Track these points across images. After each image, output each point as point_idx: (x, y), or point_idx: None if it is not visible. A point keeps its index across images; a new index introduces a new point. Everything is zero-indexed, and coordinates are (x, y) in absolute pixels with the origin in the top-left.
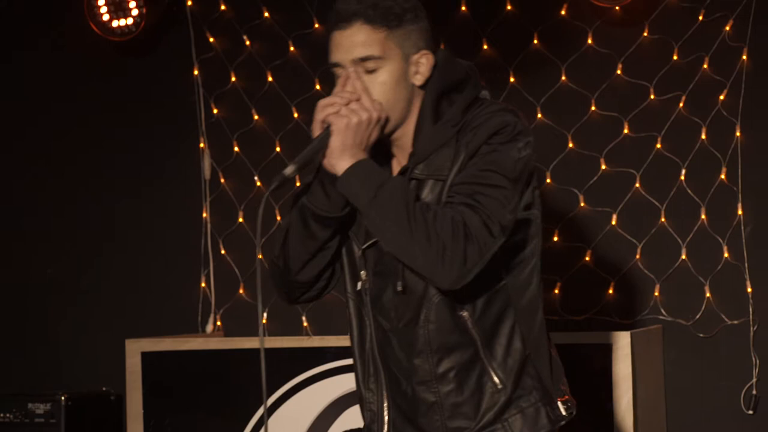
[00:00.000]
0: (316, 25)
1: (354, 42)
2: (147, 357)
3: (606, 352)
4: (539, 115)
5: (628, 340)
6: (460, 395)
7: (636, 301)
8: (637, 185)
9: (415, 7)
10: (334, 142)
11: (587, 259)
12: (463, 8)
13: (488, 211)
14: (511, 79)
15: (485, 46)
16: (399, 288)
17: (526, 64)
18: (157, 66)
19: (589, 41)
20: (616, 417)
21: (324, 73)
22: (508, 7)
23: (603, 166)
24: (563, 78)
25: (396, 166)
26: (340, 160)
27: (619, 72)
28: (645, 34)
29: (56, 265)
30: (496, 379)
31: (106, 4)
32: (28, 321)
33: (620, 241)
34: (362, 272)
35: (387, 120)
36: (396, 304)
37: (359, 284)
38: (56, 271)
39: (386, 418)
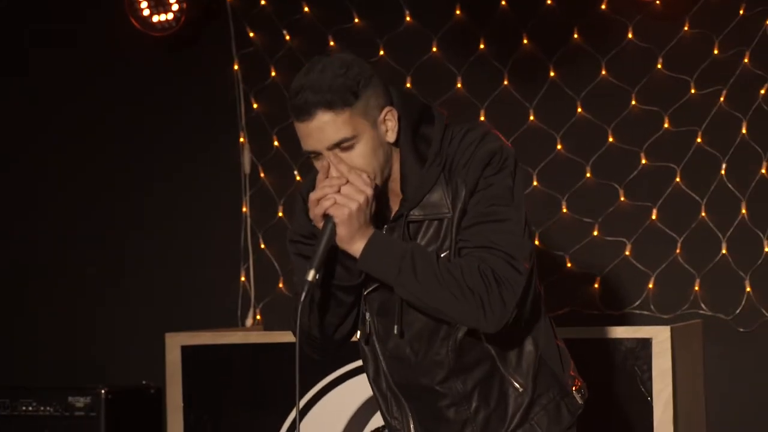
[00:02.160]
0: (356, 20)
1: (322, 131)
2: (186, 351)
3: (646, 346)
4: (579, 110)
5: (668, 334)
6: (487, 407)
7: (676, 295)
8: (678, 180)
9: (362, 72)
10: (342, 232)
11: (627, 253)
12: (503, 3)
13: (506, 248)
14: (552, 74)
15: (525, 41)
16: (395, 332)
17: (566, 58)
18: (197, 61)
19: (630, 35)
20: (655, 412)
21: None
22: (548, 2)
23: (643, 161)
24: (603, 72)
25: (392, 204)
26: (351, 244)
27: (659, 66)
28: (685, 28)
29: (97, 261)
30: (516, 384)
31: (146, 0)
32: (69, 315)
33: (660, 235)
34: (366, 314)
35: (377, 185)
36: (410, 339)
37: (365, 327)
38: (97, 266)
39: None
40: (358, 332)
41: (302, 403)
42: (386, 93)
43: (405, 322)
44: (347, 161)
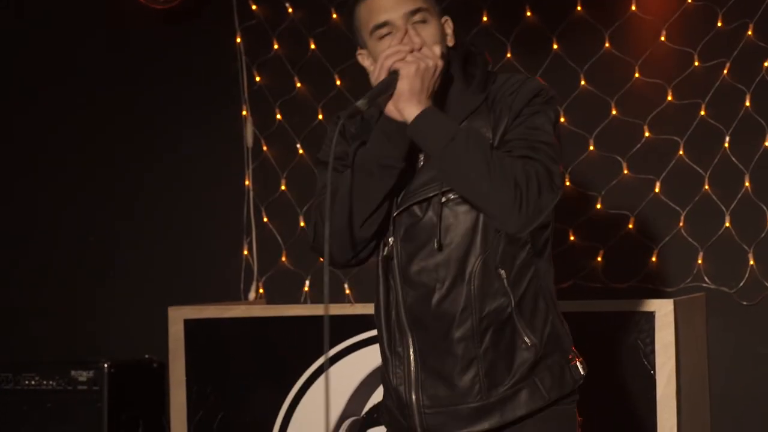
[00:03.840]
0: None
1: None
2: (190, 324)
3: (649, 320)
4: (582, 82)
5: (671, 308)
6: (496, 351)
7: (679, 268)
8: (681, 153)
9: None
10: (403, 86)
11: (630, 227)
12: None
13: (547, 163)
14: (555, 46)
15: (528, 13)
16: (436, 246)
17: (569, 30)
18: (200, 34)
19: (633, 8)
20: (658, 384)
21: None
22: None
23: (647, 134)
24: (607, 45)
25: None
26: (408, 104)
27: (663, 39)
28: (689, 0)
29: (100, 234)
30: (526, 338)
31: None
32: (70, 288)
33: (664, 208)
34: (390, 239)
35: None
36: (437, 264)
37: (386, 250)
38: (98, 238)
39: (413, 378)
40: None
41: (303, 378)
42: None
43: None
44: (422, 36)
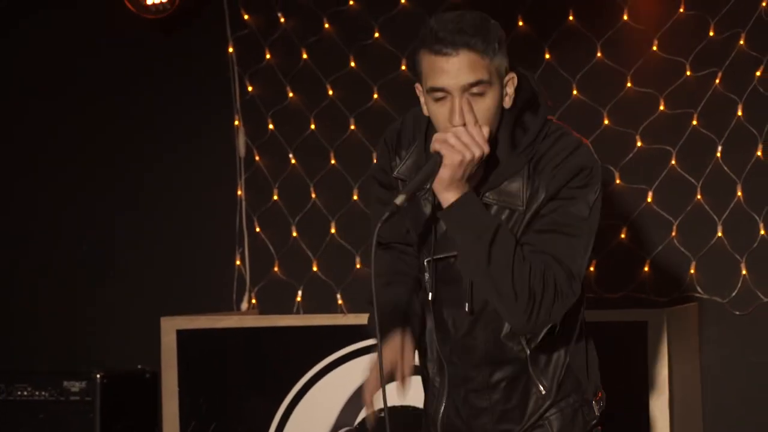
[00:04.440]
0: (351, 2)
1: (462, 68)
2: (182, 335)
3: (642, 329)
4: (575, 92)
5: (664, 317)
6: (508, 403)
7: (672, 278)
8: (673, 162)
9: (500, 32)
10: (444, 174)
11: (623, 236)
12: None
13: (571, 265)
14: (547, 56)
15: (520, 23)
16: (467, 309)
17: (561, 40)
18: (192, 44)
19: (625, 17)
20: (651, 395)
21: (359, 50)
22: None
23: (639, 143)
24: (599, 54)
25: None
26: (447, 191)
27: (654, 48)
28: (681, 10)
29: (92, 245)
30: (541, 387)
31: None
32: (62, 298)
33: (656, 218)
34: (426, 274)
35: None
36: (454, 316)
37: (427, 282)
38: (91, 248)
39: (442, 409)
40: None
41: (296, 389)
42: (509, 62)
43: (456, 299)
44: (475, 110)
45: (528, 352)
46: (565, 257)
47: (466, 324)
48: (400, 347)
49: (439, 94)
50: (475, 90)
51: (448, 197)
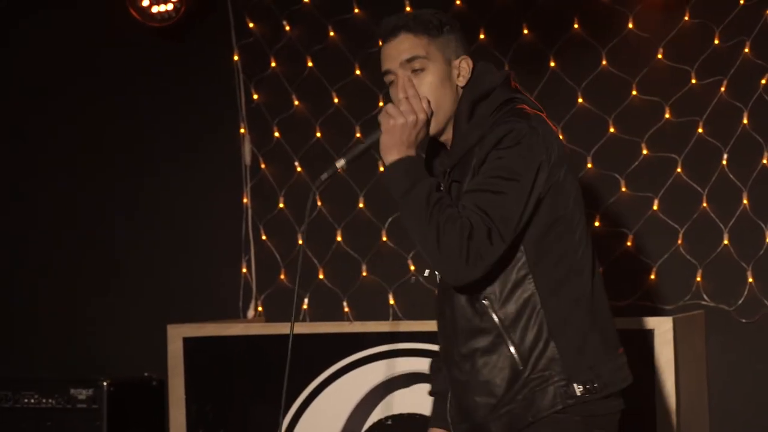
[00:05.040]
0: (356, 10)
1: (400, 49)
2: (189, 342)
3: (648, 337)
4: (580, 100)
5: (670, 325)
6: (483, 375)
7: (678, 286)
8: (679, 170)
9: (452, 23)
10: (381, 139)
11: (629, 244)
12: None
13: (493, 219)
14: (552, 64)
15: (526, 31)
16: (423, 275)
17: (566, 48)
18: (197, 52)
19: (630, 25)
20: (658, 402)
21: (364, 58)
22: None
23: (644, 151)
24: (604, 62)
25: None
26: (387, 155)
27: (660, 56)
28: (686, 18)
29: (99, 252)
30: (517, 360)
31: None
32: (70, 307)
33: (662, 226)
34: None
35: (433, 118)
36: (439, 294)
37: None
38: (96, 256)
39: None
40: None
41: (302, 396)
42: (467, 50)
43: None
44: (417, 84)
45: (499, 321)
46: (487, 215)
47: (447, 298)
48: None
49: (390, 77)
50: (416, 65)
51: (388, 160)
